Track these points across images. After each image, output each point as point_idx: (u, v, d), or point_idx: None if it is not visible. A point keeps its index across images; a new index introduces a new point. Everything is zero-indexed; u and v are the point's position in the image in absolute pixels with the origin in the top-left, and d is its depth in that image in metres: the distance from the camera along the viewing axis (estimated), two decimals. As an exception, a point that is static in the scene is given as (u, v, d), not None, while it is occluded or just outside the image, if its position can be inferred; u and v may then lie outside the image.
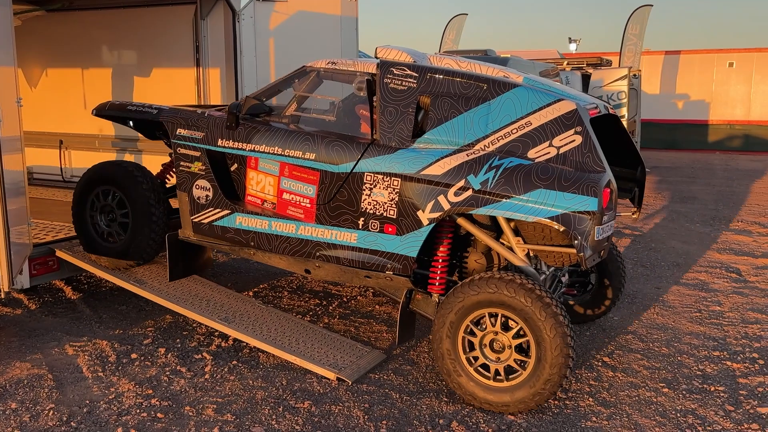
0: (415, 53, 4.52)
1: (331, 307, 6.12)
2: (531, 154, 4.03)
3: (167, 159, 5.73)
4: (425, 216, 4.15)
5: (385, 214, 4.28)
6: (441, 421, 4.09)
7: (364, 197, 4.33)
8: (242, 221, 4.78)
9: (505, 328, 4.03)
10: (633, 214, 5.08)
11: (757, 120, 22.92)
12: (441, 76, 4.25)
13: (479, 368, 4.11)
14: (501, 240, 4.37)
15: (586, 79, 14.89)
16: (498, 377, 4.07)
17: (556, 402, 4.30)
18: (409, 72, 4.31)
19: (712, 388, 4.57)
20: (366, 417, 4.15)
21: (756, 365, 4.95)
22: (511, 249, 4.27)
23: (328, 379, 4.62)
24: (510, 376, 4.03)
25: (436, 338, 4.15)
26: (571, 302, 5.48)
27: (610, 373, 4.81)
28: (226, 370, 4.80)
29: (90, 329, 5.57)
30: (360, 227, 4.36)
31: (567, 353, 3.83)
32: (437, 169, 4.11)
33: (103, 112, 5.51)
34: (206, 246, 5.15)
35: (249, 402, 4.33)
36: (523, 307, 3.86)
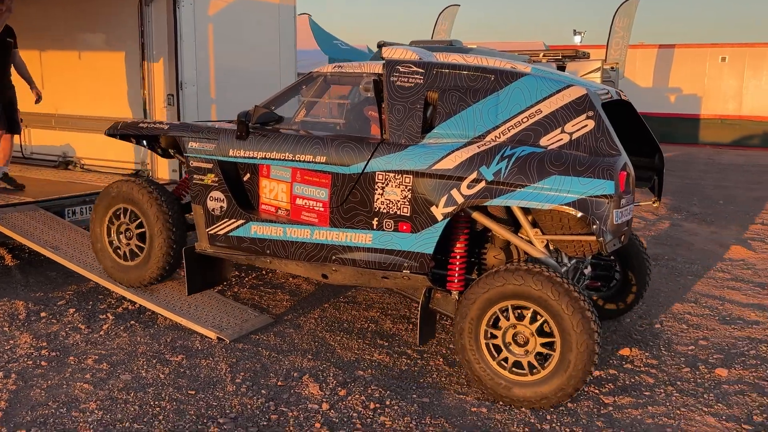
0: (422, 52, 4.52)
1: (246, 279, 6.53)
2: (543, 141, 3.99)
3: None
4: (439, 211, 4.10)
5: (398, 213, 4.24)
6: (295, 374, 4.49)
7: (376, 197, 4.29)
8: (257, 230, 4.78)
9: (528, 320, 3.97)
10: (654, 202, 4.99)
11: (749, 115, 22.96)
12: (448, 71, 4.23)
13: (502, 362, 4.06)
14: (519, 234, 4.32)
15: (560, 70, 15.14)
16: (522, 371, 4.01)
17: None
18: (415, 69, 4.30)
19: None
20: (228, 369, 4.55)
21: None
22: (529, 241, 4.21)
23: (211, 339, 5.03)
24: (533, 371, 3.98)
25: (458, 329, 4.10)
26: (594, 297, 5.38)
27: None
28: (122, 328, 5.22)
29: (14, 291, 6.02)
30: (374, 227, 4.33)
31: (593, 349, 3.76)
32: (449, 163, 4.07)
33: (115, 131, 5.59)
34: (223, 257, 5.15)
35: (129, 354, 4.75)
36: (550, 301, 3.78)
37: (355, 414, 4.01)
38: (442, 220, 4.10)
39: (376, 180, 4.28)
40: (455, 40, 12.71)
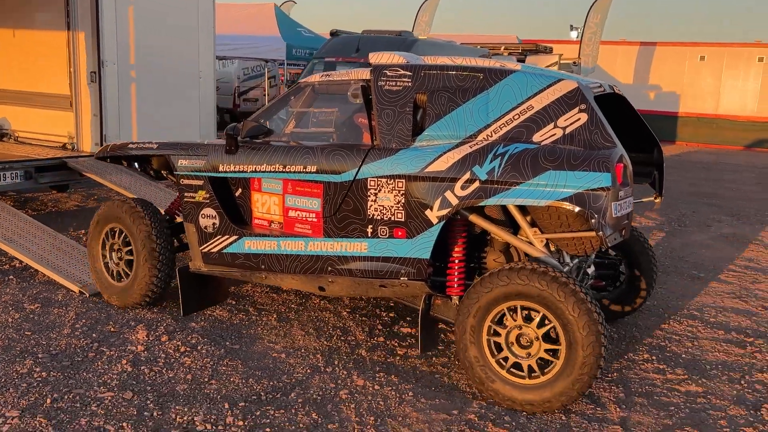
0: (409, 56, 4.48)
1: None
2: (536, 137, 3.94)
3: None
4: (434, 214, 4.03)
5: (393, 218, 4.16)
6: (132, 323, 4.96)
7: (370, 204, 4.22)
8: (251, 245, 4.69)
9: (535, 324, 3.85)
10: (654, 198, 4.90)
11: (725, 114, 23.17)
12: (436, 72, 4.18)
13: (501, 361, 3.95)
14: (518, 235, 4.23)
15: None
16: (521, 373, 3.89)
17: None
18: (402, 72, 4.24)
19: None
20: (74, 317, 5.03)
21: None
22: (529, 242, 4.12)
23: (74, 292, 5.52)
24: (532, 375, 3.86)
25: (460, 330, 3.97)
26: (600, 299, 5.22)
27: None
28: (-1, 281, 5.72)
29: None
30: (369, 235, 4.25)
31: (599, 353, 3.65)
32: (441, 165, 4.00)
33: (105, 154, 5.55)
34: (219, 276, 5.04)
35: (-10, 302, 5.25)
36: (555, 302, 3.67)
37: (163, 355, 4.47)
38: (438, 223, 4.03)
39: (369, 186, 4.21)
40: (405, 31, 13.07)
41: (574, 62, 16.80)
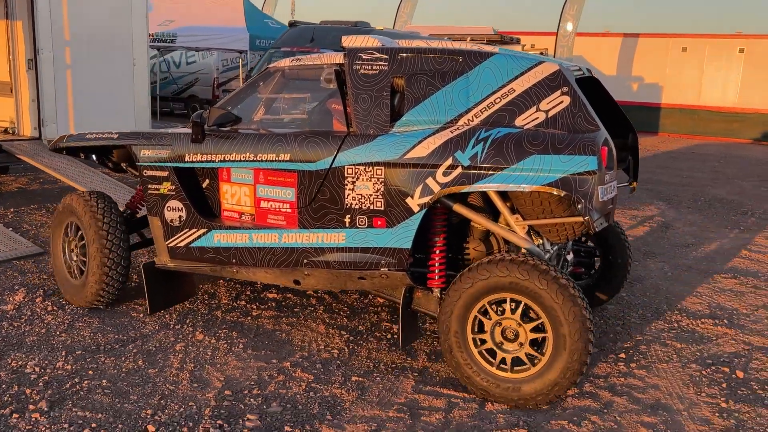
0: (384, 39, 4.31)
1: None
2: (519, 121, 3.84)
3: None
4: (415, 202, 3.89)
5: (372, 207, 4.01)
6: (16, 287, 5.36)
7: (347, 192, 4.06)
8: (220, 238, 4.49)
9: (508, 312, 3.78)
10: (630, 184, 4.80)
11: (706, 105, 23.27)
12: (413, 55, 4.04)
13: (488, 357, 3.85)
14: (498, 222, 4.13)
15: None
16: (515, 368, 3.80)
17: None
18: (378, 55, 4.09)
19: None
20: (-36, 281, 5.45)
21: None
22: (512, 230, 4.02)
23: (-23, 260, 5.93)
24: (522, 367, 3.78)
25: (444, 329, 3.86)
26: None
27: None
28: None
29: None
30: (347, 225, 4.09)
31: (587, 338, 3.59)
32: (421, 151, 3.87)
33: (60, 145, 5.29)
34: (186, 271, 4.82)
35: None
36: (538, 290, 3.60)
37: (29, 313, 4.88)
38: (419, 211, 3.89)
39: (346, 175, 4.04)
40: (360, 22, 13.39)
41: (541, 53, 17.01)
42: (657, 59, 23.89)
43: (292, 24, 13.83)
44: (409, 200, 3.92)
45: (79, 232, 4.94)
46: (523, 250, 3.93)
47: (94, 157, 5.38)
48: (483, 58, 3.97)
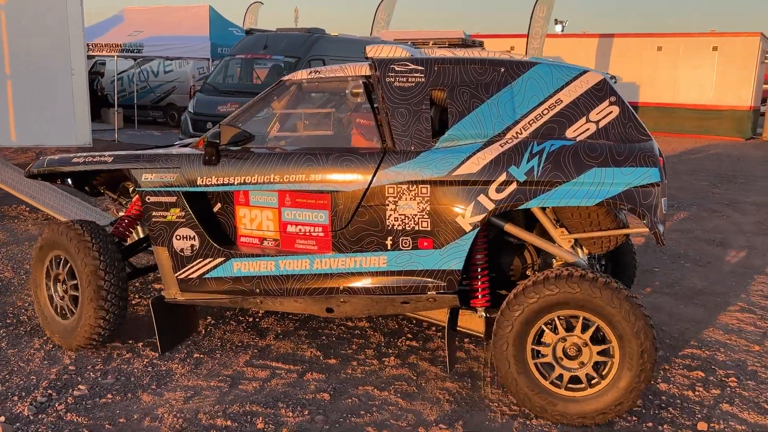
0: (408, 48, 4.20)
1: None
2: (569, 133, 3.71)
3: None
4: (466, 221, 3.71)
5: (417, 228, 3.80)
6: None
7: (388, 213, 3.83)
8: (241, 267, 4.15)
9: (579, 330, 3.63)
10: None
11: (682, 103, 23.49)
12: (451, 66, 3.86)
13: (555, 380, 3.68)
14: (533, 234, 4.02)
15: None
16: (578, 385, 3.65)
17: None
18: (413, 66, 3.88)
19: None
20: None
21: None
22: (554, 243, 3.94)
23: None
24: (579, 386, 3.65)
25: (500, 346, 3.67)
26: None
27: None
28: None
29: None
30: (389, 248, 3.86)
31: (654, 359, 3.52)
32: (471, 167, 3.68)
33: (39, 170, 4.83)
34: (200, 304, 4.42)
35: None
36: (610, 308, 3.48)
37: None
38: (471, 230, 3.71)
39: (387, 194, 3.82)
40: (314, 28, 13.77)
41: (510, 49, 17.29)
42: (633, 59, 24.15)
43: (249, 32, 14.26)
44: (459, 219, 3.73)
45: (67, 267, 4.42)
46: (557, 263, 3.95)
47: (70, 181, 4.98)
48: (526, 68, 3.83)
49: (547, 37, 22.81)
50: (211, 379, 4.12)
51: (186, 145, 4.75)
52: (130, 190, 5.03)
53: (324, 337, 4.78)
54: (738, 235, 8.29)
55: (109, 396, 3.89)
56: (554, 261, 4.09)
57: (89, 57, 20.57)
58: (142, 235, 5.10)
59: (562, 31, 33.50)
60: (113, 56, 16.60)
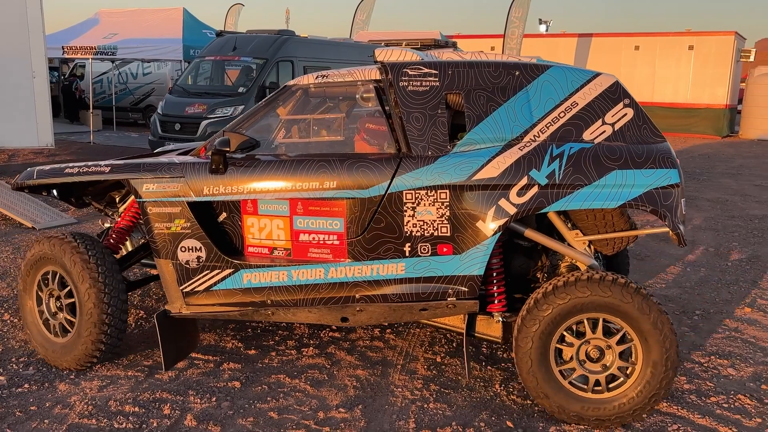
0: (417, 52, 4.14)
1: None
2: (587, 135, 3.74)
3: None
4: (487, 226, 3.70)
5: (436, 234, 3.79)
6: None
7: (406, 219, 3.80)
8: (251, 278, 4.06)
9: (600, 332, 3.66)
10: None
11: (660, 102, 23.71)
12: (465, 69, 3.85)
13: (574, 381, 3.70)
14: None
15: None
16: (597, 387, 3.67)
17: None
18: (427, 70, 3.86)
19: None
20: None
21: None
22: (581, 250, 3.93)
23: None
24: (611, 385, 3.67)
25: (524, 349, 3.66)
26: None
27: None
28: None
29: None
30: (407, 254, 3.83)
31: (676, 367, 3.58)
32: (492, 171, 3.69)
33: (28, 182, 4.58)
34: (205, 317, 4.26)
35: None
36: (635, 312, 3.52)
37: None
38: (493, 235, 3.71)
39: (405, 200, 3.79)
40: (284, 30, 13.93)
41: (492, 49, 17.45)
42: (611, 58, 24.37)
43: (219, 34, 14.41)
44: (480, 224, 3.72)
45: (61, 282, 4.26)
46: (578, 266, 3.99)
47: (55, 192, 4.76)
48: (540, 71, 3.85)
49: (526, 36, 23.02)
50: (130, 369, 4.26)
51: (186, 153, 4.63)
52: (117, 200, 4.95)
53: (249, 330, 4.92)
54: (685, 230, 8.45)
55: (27, 386, 4.03)
56: (560, 263, 4.15)
57: (66, 60, 20.77)
58: (131, 249, 4.93)
59: (547, 30, 33.71)
60: (88, 58, 16.68)
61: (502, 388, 4.10)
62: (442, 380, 4.19)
